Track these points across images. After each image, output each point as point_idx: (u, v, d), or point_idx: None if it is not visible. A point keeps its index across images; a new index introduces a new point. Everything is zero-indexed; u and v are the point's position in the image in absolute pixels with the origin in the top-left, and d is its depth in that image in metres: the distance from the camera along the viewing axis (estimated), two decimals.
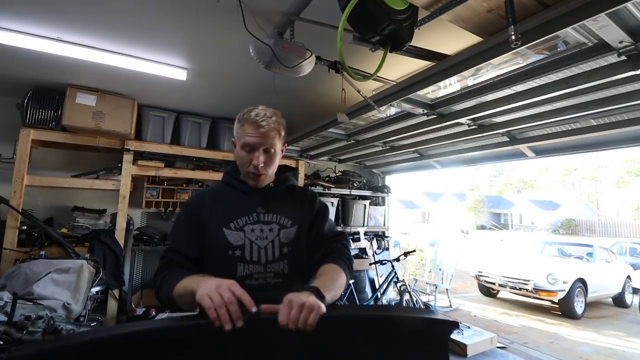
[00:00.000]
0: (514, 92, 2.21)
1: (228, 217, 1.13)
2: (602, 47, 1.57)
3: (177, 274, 1.00)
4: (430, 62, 1.96)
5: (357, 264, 4.55)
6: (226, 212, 1.15)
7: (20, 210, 3.04)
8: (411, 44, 1.67)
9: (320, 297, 0.82)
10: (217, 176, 4.08)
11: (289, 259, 1.14)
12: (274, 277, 1.11)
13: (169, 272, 1.04)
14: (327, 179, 5.22)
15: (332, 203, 4.96)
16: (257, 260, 1.11)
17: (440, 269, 6.19)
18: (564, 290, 5.67)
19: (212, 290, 0.76)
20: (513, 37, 1.18)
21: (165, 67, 2.68)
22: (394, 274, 4.24)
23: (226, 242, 1.10)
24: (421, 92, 2.41)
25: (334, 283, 0.96)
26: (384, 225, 5.67)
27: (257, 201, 1.17)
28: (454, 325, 0.83)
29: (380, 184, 5.78)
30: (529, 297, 6.08)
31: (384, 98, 2.37)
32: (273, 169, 1.18)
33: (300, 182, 4.73)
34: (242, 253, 1.10)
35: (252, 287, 1.08)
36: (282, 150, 1.21)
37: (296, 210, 1.22)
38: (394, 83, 2.52)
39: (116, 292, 3.43)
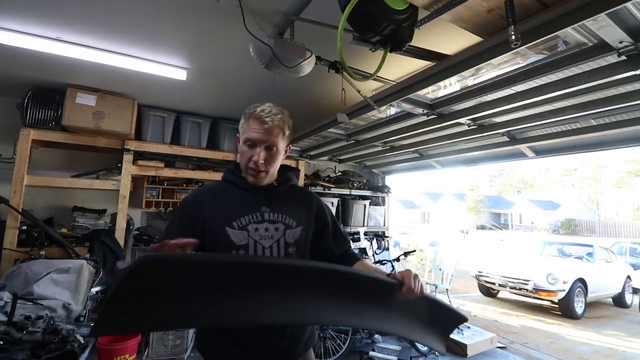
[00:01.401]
0: (514, 92, 2.21)
1: (231, 216, 1.12)
2: (602, 47, 1.57)
3: None
4: (430, 62, 1.96)
5: None
6: (228, 210, 1.13)
7: (20, 210, 3.04)
8: (411, 44, 1.67)
9: None
10: (217, 176, 4.08)
11: (293, 259, 1.15)
12: None
13: None
14: (327, 179, 5.22)
15: (332, 203, 4.95)
16: None
17: (440, 269, 6.17)
18: (564, 290, 5.67)
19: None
20: (513, 37, 1.18)
21: (165, 67, 2.68)
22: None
23: (229, 242, 1.08)
24: (421, 92, 2.40)
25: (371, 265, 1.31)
26: (384, 225, 5.67)
27: (261, 200, 1.16)
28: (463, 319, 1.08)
29: (380, 184, 5.78)
30: (529, 297, 6.08)
31: (384, 98, 2.37)
32: (275, 167, 1.17)
33: (300, 182, 4.73)
34: (246, 253, 1.09)
35: None
36: (286, 151, 1.20)
37: (300, 212, 1.22)
38: (394, 83, 2.52)
39: None
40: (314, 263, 0.88)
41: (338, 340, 3.42)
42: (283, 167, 1.27)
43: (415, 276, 1.01)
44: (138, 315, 0.70)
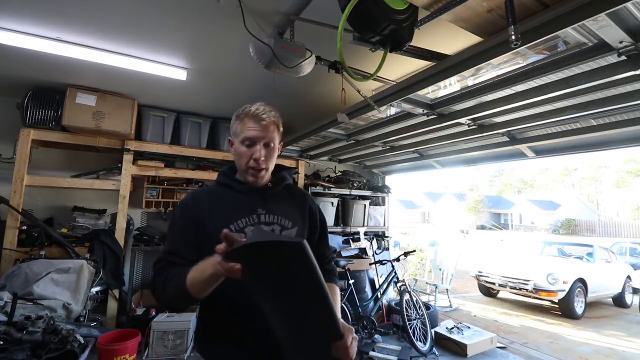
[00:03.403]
0: (514, 92, 2.21)
1: (228, 219, 1.11)
2: (602, 47, 1.57)
3: (181, 270, 0.98)
4: (430, 62, 1.96)
5: (357, 264, 4.55)
6: (225, 213, 1.13)
7: (20, 210, 3.04)
8: (411, 44, 1.67)
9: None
10: None
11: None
12: None
13: (170, 273, 1.02)
14: (327, 179, 5.22)
15: (332, 203, 4.95)
16: None
17: (440, 269, 6.19)
18: (564, 290, 5.67)
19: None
20: (513, 37, 1.18)
21: (165, 67, 2.68)
22: (394, 274, 4.24)
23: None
24: (421, 92, 2.40)
25: (339, 305, 1.23)
26: (384, 225, 5.67)
27: (256, 202, 1.17)
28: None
29: (380, 184, 5.78)
30: (529, 297, 6.08)
31: (384, 98, 2.37)
32: (272, 164, 1.19)
33: (300, 182, 4.73)
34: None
35: None
36: (279, 148, 1.22)
37: (295, 211, 1.23)
38: (394, 83, 2.52)
39: (116, 292, 3.43)
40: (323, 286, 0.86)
41: None
42: (277, 167, 1.27)
43: (354, 339, 0.96)
44: (252, 270, 0.82)
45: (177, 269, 1.03)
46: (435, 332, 3.99)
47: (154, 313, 3.41)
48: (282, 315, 0.91)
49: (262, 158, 1.12)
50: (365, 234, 5.14)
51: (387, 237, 5.60)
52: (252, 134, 1.11)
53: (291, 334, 0.94)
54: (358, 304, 4.08)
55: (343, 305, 3.73)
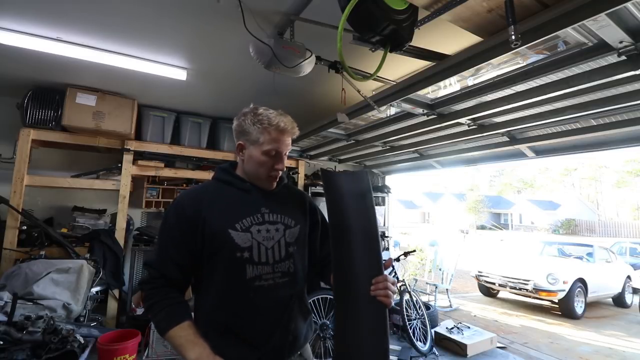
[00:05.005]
0: (514, 92, 2.21)
1: (232, 218, 1.10)
2: (602, 47, 1.57)
3: (171, 312, 1.03)
4: (430, 62, 1.96)
5: None
6: (229, 212, 1.11)
7: (20, 210, 3.04)
8: (411, 44, 1.67)
9: None
10: None
11: (294, 257, 1.16)
12: (281, 276, 1.12)
13: (160, 303, 1.05)
14: None
15: None
16: (265, 261, 1.10)
17: (440, 269, 6.19)
18: (564, 290, 5.67)
19: None
20: (513, 37, 1.18)
21: (165, 67, 2.68)
22: (394, 274, 4.24)
23: (233, 245, 1.07)
24: (421, 92, 2.40)
25: None
26: (384, 225, 5.67)
27: (260, 201, 1.17)
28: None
29: (380, 184, 5.78)
30: (529, 297, 6.08)
31: (384, 98, 2.37)
32: None
33: (301, 182, 4.74)
34: (250, 255, 1.08)
35: (261, 288, 1.08)
36: None
37: (297, 210, 1.24)
38: (394, 83, 2.52)
39: (116, 292, 3.43)
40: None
41: None
42: None
43: (393, 282, 1.03)
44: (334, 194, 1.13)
45: (165, 299, 1.05)
46: (435, 332, 4.00)
47: None
48: (343, 249, 1.06)
49: (285, 167, 1.17)
50: None
51: (387, 237, 5.60)
52: (278, 146, 1.12)
53: (346, 271, 1.06)
54: None
55: None
